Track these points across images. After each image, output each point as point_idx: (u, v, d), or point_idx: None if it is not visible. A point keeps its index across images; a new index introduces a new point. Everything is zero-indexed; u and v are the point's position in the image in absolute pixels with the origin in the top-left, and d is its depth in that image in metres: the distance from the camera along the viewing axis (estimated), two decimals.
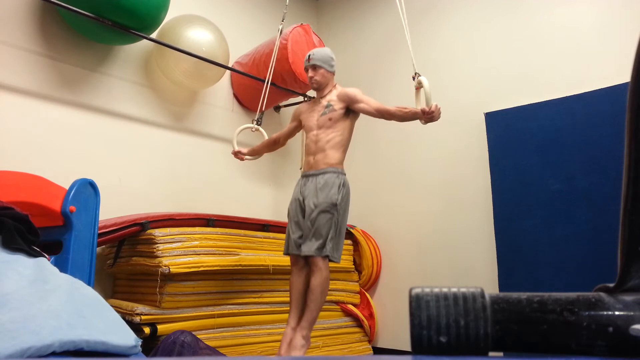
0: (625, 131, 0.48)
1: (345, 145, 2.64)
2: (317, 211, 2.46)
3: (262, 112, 3.21)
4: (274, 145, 3.00)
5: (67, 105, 2.95)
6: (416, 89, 2.69)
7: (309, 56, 2.68)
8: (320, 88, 2.70)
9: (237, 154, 3.01)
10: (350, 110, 2.64)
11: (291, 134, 2.93)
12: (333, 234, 2.45)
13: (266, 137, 3.09)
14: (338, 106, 2.62)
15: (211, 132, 3.75)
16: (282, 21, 3.24)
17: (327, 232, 2.43)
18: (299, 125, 2.86)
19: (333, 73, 2.72)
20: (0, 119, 2.64)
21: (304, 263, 2.53)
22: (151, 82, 3.41)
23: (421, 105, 2.51)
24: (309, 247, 2.43)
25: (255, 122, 3.16)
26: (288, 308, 3.06)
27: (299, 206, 2.60)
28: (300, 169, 3.53)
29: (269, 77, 3.22)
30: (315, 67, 2.66)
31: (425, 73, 3.85)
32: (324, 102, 2.67)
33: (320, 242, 2.42)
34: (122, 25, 2.76)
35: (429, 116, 2.41)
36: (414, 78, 2.63)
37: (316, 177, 2.57)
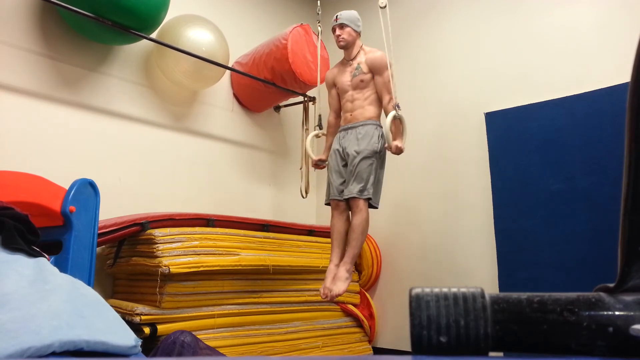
0: (625, 131, 0.48)
1: (380, 101, 2.78)
2: (360, 157, 2.63)
3: (319, 115, 3.30)
4: (336, 128, 2.99)
5: (67, 105, 2.95)
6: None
7: (337, 16, 2.82)
8: (347, 47, 2.83)
9: (317, 164, 3.03)
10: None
11: (338, 101, 2.96)
12: (374, 179, 2.64)
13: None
14: (366, 69, 2.77)
15: (211, 132, 3.74)
16: (319, 23, 3.25)
17: (368, 176, 2.61)
18: (337, 90, 2.94)
19: (359, 33, 2.86)
20: (0, 119, 2.64)
21: (345, 207, 2.71)
22: (151, 82, 3.41)
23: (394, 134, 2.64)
24: (351, 190, 2.62)
25: (317, 128, 3.25)
26: (288, 308, 3.08)
27: (339, 156, 2.78)
28: (300, 168, 3.53)
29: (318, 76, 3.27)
30: (342, 26, 2.79)
31: (426, 73, 3.88)
32: (354, 63, 2.82)
33: (362, 185, 2.60)
34: (122, 25, 2.76)
35: (393, 151, 2.62)
36: (396, 107, 2.65)
37: (356, 128, 2.74)
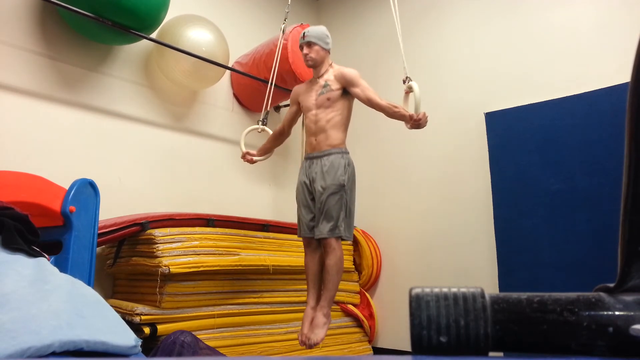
0: (625, 131, 0.48)
1: (345, 124, 2.64)
2: (327, 194, 2.48)
3: (267, 112, 3.14)
4: (280, 137, 2.92)
5: (67, 105, 2.95)
6: (406, 92, 2.69)
7: (304, 34, 2.65)
8: (315, 65, 2.66)
9: (246, 157, 2.90)
10: (348, 91, 2.64)
11: (293, 119, 2.85)
12: (344, 214, 2.50)
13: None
14: (335, 86, 2.60)
15: (211, 132, 3.75)
16: (285, 20, 3.22)
17: (338, 213, 2.47)
18: (299, 109, 2.79)
19: (328, 51, 2.69)
20: (0, 119, 2.64)
21: (317, 244, 2.58)
22: (151, 82, 3.41)
23: (409, 110, 2.52)
24: (322, 230, 2.47)
25: (260, 123, 3.09)
26: (288, 308, 3.07)
27: (306, 189, 2.61)
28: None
29: (272, 75, 3.18)
30: (310, 44, 2.62)
31: (426, 73, 3.88)
32: (322, 81, 2.65)
33: (332, 224, 2.46)
34: (122, 25, 2.76)
35: (415, 123, 2.43)
36: (404, 81, 2.61)
37: (321, 159, 2.57)
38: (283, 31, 3.27)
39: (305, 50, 2.63)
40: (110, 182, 2.97)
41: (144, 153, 3.28)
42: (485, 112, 3.41)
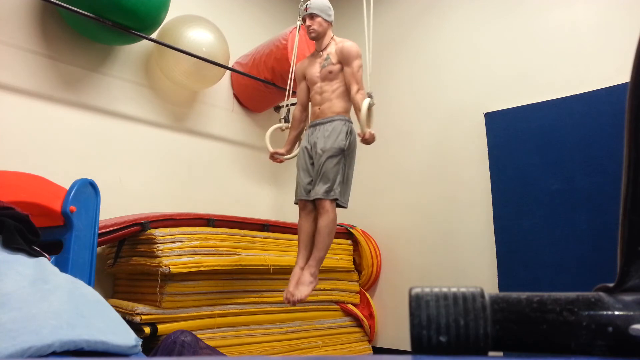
0: (624, 131, 0.48)
1: (349, 94, 2.65)
2: (325, 156, 2.52)
3: (287, 108, 3.10)
4: (300, 122, 2.89)
5: (67, 105, 2.95)
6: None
7: (307, 5, 2.71)
8: (318, 37, 2.72)
9: (274, 156, 2.84)
10: None
11: (306, 95, 2.84)
12: (341, 178, 2.53)
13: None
14: (335, 60, 2.66)
15: (211, 132, 3.75)
16: (300, 16, 3.22)
17: (335, 176, 2.51)
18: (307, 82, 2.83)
19: (330, 23, 2.75)
20: (0, 119, 2.64)
21: (312, 207, 2.60)
22: (151, 82, 3.41)
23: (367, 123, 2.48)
24: (317, 191, 2.51)
25: (283, 120, 3.06)
26: (288, 308, 3.06)
27: (307, 154, 2.66)
28: None
29: (292, 65, 3.09)
30: (312, 16, 2.68)
31: (425, 73, 3.88)
32: (324, 54, 2.71)
33: (328, 186, 2.49)
34: (122, 26, 2.76)
35: (363, 139, 2.46)
36: (370, 95, 2.52)
37: (324, 125, 2.62)
38: (299, 28, 3.26)
39: (308, 22, 2.70)
40: (110, 182, 2.98)
41: (144, 153, 3.28)
42: (485, 112, 3.41)
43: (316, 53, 2.77)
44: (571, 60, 3.14)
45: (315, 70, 2.72)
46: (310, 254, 2.56)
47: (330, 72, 2.65)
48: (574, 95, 3.03)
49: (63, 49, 2.95)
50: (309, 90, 2.82)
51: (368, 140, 2.46)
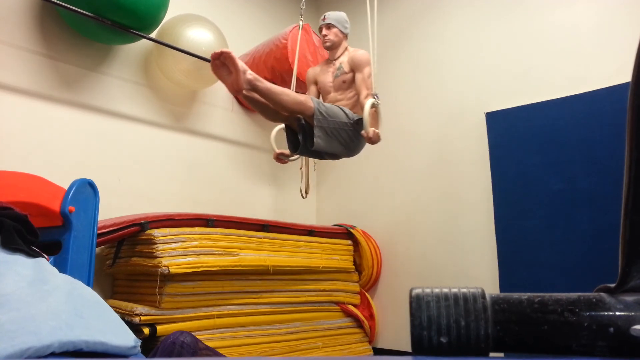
0: (626, 131, 0.47)
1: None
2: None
3: None
4: None
5: (67, 105, 2.95)
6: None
7: (324, 16, 2.78)
8: (332, 47, 2.76)
9: (279, 157, 2.85)
10: None
11: (317, 96, 2.87)
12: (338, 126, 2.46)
13: None
14: (347, 69, 2.71)
15: (211, 132, 3.74)
16: (301, 17, 3.24)
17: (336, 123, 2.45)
18: (318, 88, 2.88)
19: (346, 35, 2.80)
20: (0, 119, 2.64)
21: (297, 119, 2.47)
22: (151, 81, 3.40)
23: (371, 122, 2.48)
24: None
25: None
26: (288, 308, 3.06)
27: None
28: (300, 168, 3.51)
29: (295, 66, 3.15)
30: (329, 26, 2.74)
31: (426, 73, 3.88)
32: (337, 63, 2.76)
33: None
34: (121, 25, 2.75)
35: (367, 138, 2.44)
36: (375, 96, 2.53)
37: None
38: (301, 27, 3.28)
39: (324, 32, 2.75)
40: (109, 182, 2.97)
41: (143, 153, 3.28)
42: (486, 111, 3.41)
43: (329, 61, 2.83)
44: (572, 59, 3.14)
45: (327, 79, 2.77)
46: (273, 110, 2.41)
47: (344, 81, 2.70)
48: (575, 95, 3.03)
49: (62, 48, 2.95)
50: (319, 93, 2.89)
51: (372, 140, 2.44)
